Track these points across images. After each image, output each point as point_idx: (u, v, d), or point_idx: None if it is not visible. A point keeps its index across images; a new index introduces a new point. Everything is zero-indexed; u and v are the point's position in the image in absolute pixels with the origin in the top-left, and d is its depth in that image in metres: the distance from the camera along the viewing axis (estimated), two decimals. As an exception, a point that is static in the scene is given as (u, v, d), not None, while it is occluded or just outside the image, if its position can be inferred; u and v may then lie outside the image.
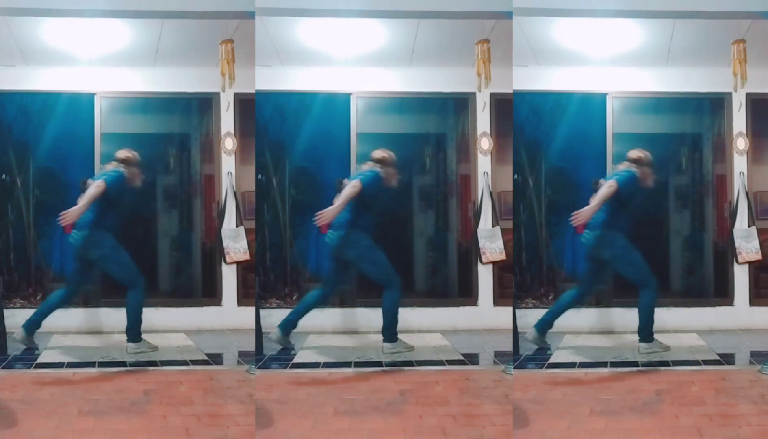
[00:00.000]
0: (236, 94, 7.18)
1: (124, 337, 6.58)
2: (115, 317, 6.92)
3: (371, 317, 6.98)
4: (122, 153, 6.38)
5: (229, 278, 7.28)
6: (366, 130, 7.50)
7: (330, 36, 6.97)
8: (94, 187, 6.11)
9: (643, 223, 7.17)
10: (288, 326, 6.41)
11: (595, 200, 6.08)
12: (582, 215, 6.05)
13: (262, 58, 6.86)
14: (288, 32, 6.90)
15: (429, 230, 7.76)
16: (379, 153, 6.40)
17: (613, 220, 6.20)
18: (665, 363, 6.00)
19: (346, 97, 7.43)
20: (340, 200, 6.10)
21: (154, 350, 6.28)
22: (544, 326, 6.44)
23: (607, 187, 6.13)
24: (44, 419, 4.75)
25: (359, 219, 6.22)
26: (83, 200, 6.07)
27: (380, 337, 6.35)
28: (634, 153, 6.38)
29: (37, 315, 6.39)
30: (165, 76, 7.32)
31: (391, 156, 6.39)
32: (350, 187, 6.14)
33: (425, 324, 7.04)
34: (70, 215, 6.03)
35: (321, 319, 7.19)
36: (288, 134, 7.63)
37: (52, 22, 6.70)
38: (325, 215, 6.08)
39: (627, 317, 6.94)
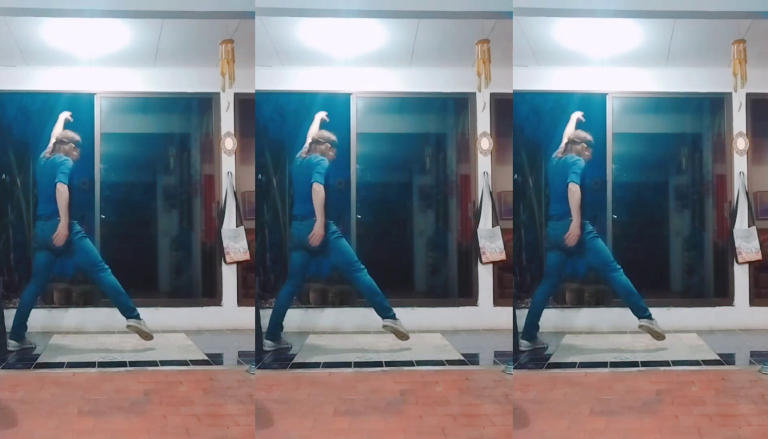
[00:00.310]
0: (236, 94, 7.18)
1: (124, 337, 6.63)
2: (116, 317, 6.91)
3: (371, 317, 6.98)
4: (60, 135, 6.42)
5: (229, 278, 7.28)
6: (366, 130, 7.50)
7: (330, 36, 6.97)
8: (61, 195, 6.16)
9: (643, 223, 7.18)
10: (275, 331, 6.41)
11: (575, 213, 6.16)
12: (573, 234, 6.18)
13: (262, 58, 6.86)
14: (288, 32, 6.90)
15: (429, 230, 7.76)
16: (319, 135, 6.47)
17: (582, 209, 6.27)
18: (665, 363, 6.00)
19: (346, 97, 7.43)
20: (319, 212, 6.17)
21: (149, 337, 6.34)
22: (531, 332, 6.41)
23: (573, 194, 6.18)
24: (44, 419, 4.75)
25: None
26: (62, 214, 6.15)
27: (380, 337, 6.35)
28: (573, 135, 6.51)
29: (17, 320, 6.37)
30: (165, 76, 7.32)
31: (322, 135, 6.48)
32: (318, 194, 6.20)
33: (425, 324, 7.03)
34: (61, 234, 6.17)
35: (321, 319, 7.20)
36: (288, 134, 7.62)
37: (52, 22, 6.70)
38: (317, 233, 6.20)
39: (627, 317, 6.93)
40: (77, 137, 6.45)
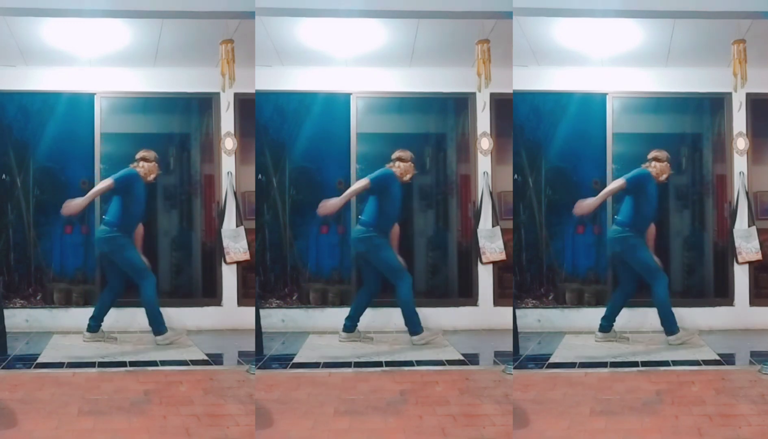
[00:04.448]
0: (236, 94, 7.19)
1: (123, 337, 6.65)
2: (115, 317, 6.93)
3: (371, 317, 6.98)
4: (139, 153, 6.71)
5: (229, 278, 7.28)
6: (366, 130, 7.50)
7: (330, 36, 6.97)
8: (103, 182, 6.56)
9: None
10: (350, 326, 6.69)
11: (602, 193, 6.48)
12: (585, 205, 6.39)
13: (262, 58, 6.86)
14: (288, 32, 6.90)
15: (429, 230, 7.75)
16: (396, 153, 6.72)
17: (630, 218, 6.51)
18: (665, 363, 6.00)
19: (346, 97, 7.43)
20: (346, 193, 6.51)
21: (179, 335, 6.60)
22: (607, 326, 6.70)
23: (615, 182, 6.55)
24: (44, 419, 4.75)
25: (378, 218, 6.57)
26: (90, 193, 6.52)
27: (379, 337, 6.43)
28: (652, 153, 6.70)
29: (95, 319, 6.68)
30: (165, 76, 7.32)
31: (407, 154, 6.72)
32: (359, 182, 6.57)
33: (425, 324, 7.03)
34: (72, 206, 6.44)
35: (321, 319, 7.20)
36: (288, 134, 7.63)
37: (52, 22, 6.70)
38: (328, 204, 6.40)
39: (627, 317, 6.94)
40: (148, 154, 6.71)
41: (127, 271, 6.59)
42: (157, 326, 6.52)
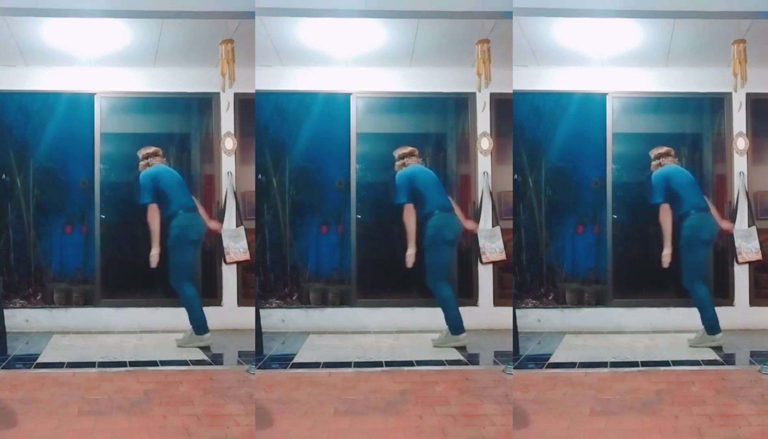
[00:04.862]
0: (236, 94, 7.18)
1: (123, 337, 6.64)
2: (116, 317, 6.93)
3: (371, 317, 6.98)
4: (150, 149, 6.75)
5: (229, 278, 7.28)
6: (366, 130, 7.50)
7: (330, 36, 6.97)
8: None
9: (643, 223, 7.18)
10: (457, 327, 6.50)
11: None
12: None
13: (262, 58, 6.86)
14: (288, 32, 6.90)
15: (429, 230, 7.74)
16: (407, 149, 6.79)
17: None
18: (665, 363, 6.00)
19: (346, 97, 7.43)
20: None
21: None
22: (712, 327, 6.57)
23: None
24: (44, 419, 4.75)
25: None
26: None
27: (379, 337, 6.45)
28: (663, 149, 6.79)
29: (196, 319, 6.51)
30: (165, 76, 7.32)
31: (414, 149, 6.84)
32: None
33: (425, 324, 7.03)
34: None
35: (321, 319, 7.20)
36: (288, 134, 7.63)
37: (52, 22, 6.70)
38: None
39: (627, 317, 6.95)
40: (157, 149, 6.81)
41: (191, 262, 6.62)
42: (204, 325, 6.48)
